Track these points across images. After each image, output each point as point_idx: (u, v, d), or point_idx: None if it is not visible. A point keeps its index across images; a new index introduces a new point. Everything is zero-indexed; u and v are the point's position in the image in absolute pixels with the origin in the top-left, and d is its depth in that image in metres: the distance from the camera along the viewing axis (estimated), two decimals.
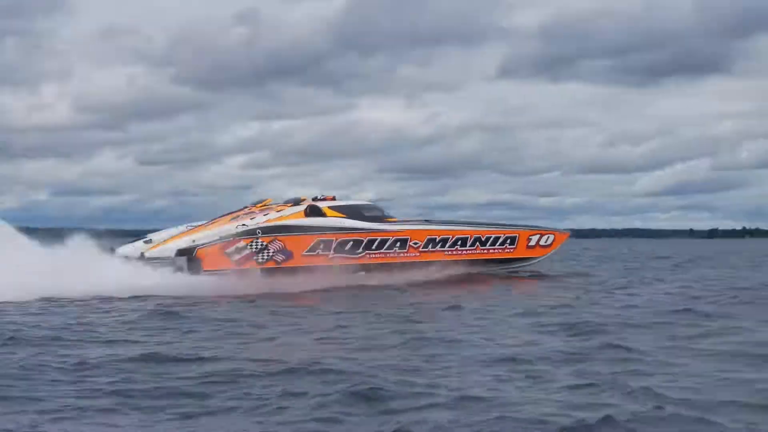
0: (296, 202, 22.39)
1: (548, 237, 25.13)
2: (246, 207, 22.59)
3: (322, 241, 21.47)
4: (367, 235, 22.31)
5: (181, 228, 21.73)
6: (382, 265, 22.26)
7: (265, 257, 20.64)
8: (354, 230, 22.14)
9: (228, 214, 22.29)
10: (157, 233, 21.68)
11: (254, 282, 19.44)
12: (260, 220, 21.35)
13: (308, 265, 20.91)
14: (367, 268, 21.93)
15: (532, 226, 25.44)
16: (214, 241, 20.34)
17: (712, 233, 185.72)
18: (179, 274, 19.41)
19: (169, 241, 20.72)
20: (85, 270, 17.95)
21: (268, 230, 20.88)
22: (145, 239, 21.32)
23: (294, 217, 21.66)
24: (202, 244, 20.08)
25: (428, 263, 22.93)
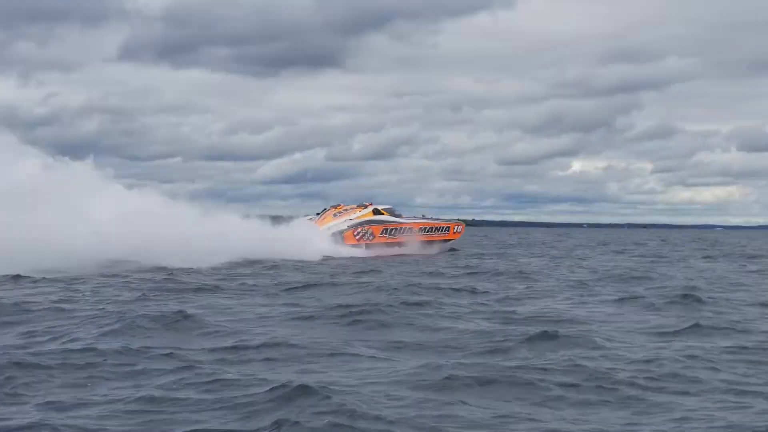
0: (363, 206, 40.71)
1: (460, 226, 45.69)
2: (332, 207, 40.40)
3: (385, 228, 40.21)
4: (399, 225, 41.31)
5: (313, 217, 39.52)
6: (403, 242, 41.37)
7: (366, 237, 39.05)
8: (394, 222, 41.07)
9: (328, 210, 40.06)
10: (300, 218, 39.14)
11: (365, 251, 37.94)
12: (353, 216, 39.57)
13: (380, 242, 39.63)
14: (399, 244, 40.94)
15: (453, 220, 45.83)
16: (345, 228, 38.35)
17: None
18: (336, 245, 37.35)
19: (328, 221, 38.58)
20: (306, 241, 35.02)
21: (364, 223, 39.26)
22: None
23: (369, 215, 40.11)
24: (341, 230, 38.09)
25: (421, 242, 42.37)
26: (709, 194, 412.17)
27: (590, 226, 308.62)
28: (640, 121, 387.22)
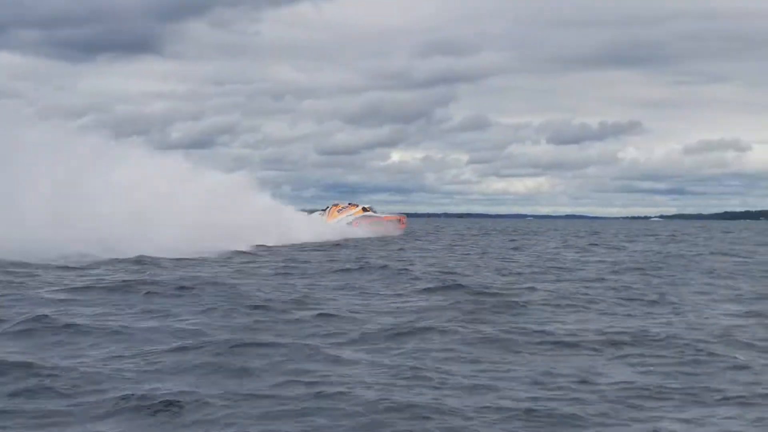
0: (356, 205, 60.92)
1: (405, 219, 66.41)
2: (333, 206, 60.46)
3: (372, 220, 60.55)
4: (378, 218, 61.73)
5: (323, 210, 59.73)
6: (381, 228, 61.52)
7: (362, 226, 59.29)
8: (375, 216, 61.48)
9: (331, 208, 60.04)
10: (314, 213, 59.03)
11: (360, 232, 57.95)
12: (352, 212, 59.84)
13: (368, 228, 59.84)
14: (379, 228, 61.06)
15: (400, 213, 66.48)
16: (351, 220, 58.64)
17: None
18: (351, 227, 57.62)
19: (334, 216, 58.45)
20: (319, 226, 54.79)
21: (360, 218, 59.62)
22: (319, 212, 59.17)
23: (361, 212, 60.50)
24: (349, 222, 58.41)
25: (388, 227, 62.57)
26: (520, 185, 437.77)
27: (409, 216, 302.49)
28: (457, 113, 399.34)
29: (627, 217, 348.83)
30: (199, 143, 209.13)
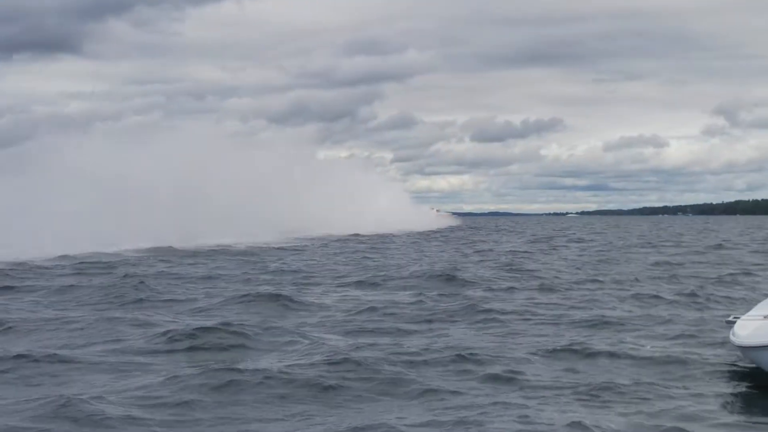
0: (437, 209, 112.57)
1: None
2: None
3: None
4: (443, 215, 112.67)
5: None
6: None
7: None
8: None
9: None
10: None
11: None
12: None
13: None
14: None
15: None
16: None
17: None
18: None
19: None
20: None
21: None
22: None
23: (438, 212, 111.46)
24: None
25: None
26: (444, 182, 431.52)
27: None
28: (382, 111, 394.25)
29: (548, 214, 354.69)
30: None
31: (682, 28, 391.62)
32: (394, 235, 66.48)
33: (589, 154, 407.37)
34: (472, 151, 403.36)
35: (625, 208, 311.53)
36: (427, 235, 70.15)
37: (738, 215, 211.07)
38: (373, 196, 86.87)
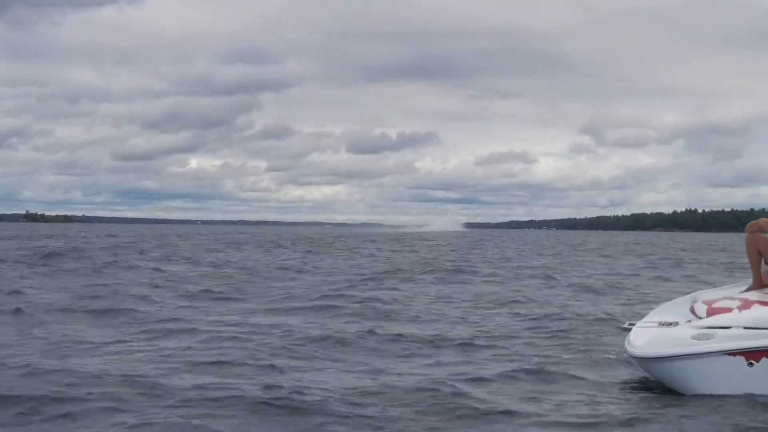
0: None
1: None
2: None
3: None
4: None
5: None
6: None
7: None
8: None
9: None
10: None
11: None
12: None
13: None
14: None
15: None
16: None
17: None
18: None
19: None
20: None
21: None
22: None
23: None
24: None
25: None
26: (318, 193, 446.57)
27: (204, 222, 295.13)
28: (259, 120, 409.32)
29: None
30: None
31: (553, 48, 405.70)
32: None
33: (460, 168, 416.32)
34: (346, 162, 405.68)
35: (493, 222, 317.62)
36: None
37: (600, 230, 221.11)
38: None
